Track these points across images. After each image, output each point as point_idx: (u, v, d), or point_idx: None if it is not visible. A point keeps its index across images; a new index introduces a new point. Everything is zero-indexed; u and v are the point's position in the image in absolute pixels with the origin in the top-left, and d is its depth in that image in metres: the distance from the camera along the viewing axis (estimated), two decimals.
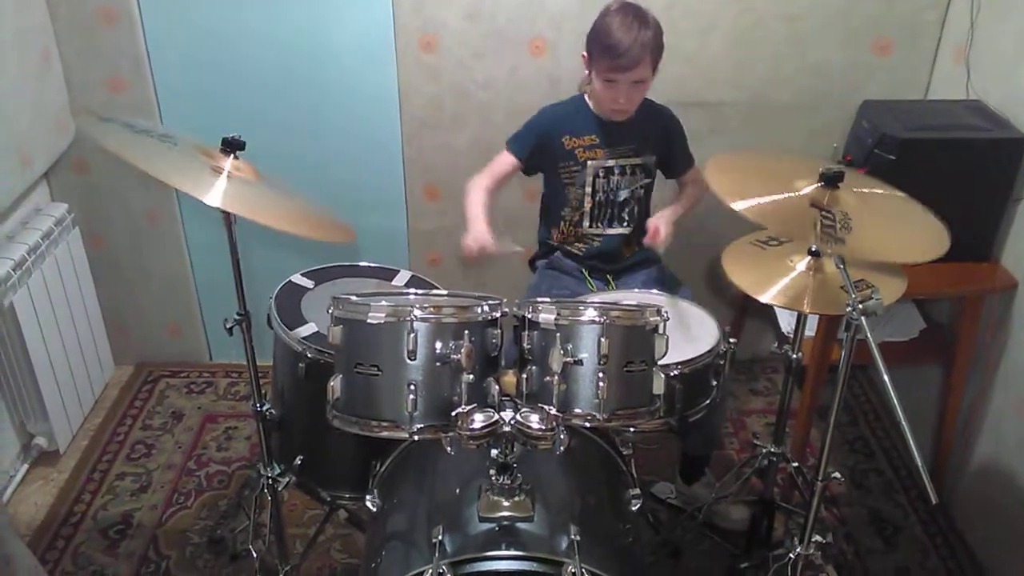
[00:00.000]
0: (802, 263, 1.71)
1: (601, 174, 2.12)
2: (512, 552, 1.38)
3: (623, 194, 2.15)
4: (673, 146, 2.20)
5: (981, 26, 2.26)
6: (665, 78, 2.32)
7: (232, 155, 1.59)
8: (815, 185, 1.53)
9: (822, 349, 2.19)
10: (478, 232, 1.96)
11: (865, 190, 1.63)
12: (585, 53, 2.03)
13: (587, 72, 2.04)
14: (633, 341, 1.43)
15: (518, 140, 2.13)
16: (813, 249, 1.69)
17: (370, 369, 1.38)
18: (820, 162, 1.56)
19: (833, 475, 1.65)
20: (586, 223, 2.18)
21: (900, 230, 1.60)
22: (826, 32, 2.46)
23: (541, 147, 2.12)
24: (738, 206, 1.49)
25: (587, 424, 1.43)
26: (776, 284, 1.69)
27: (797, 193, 1.53)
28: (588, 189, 2.14)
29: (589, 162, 2.11)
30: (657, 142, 2.16)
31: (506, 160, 2.12)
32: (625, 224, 2.18)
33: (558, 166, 2.13)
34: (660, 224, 2.06)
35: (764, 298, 1.68)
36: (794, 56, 2.49)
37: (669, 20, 2.37)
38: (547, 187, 2.24)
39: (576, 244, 2.21)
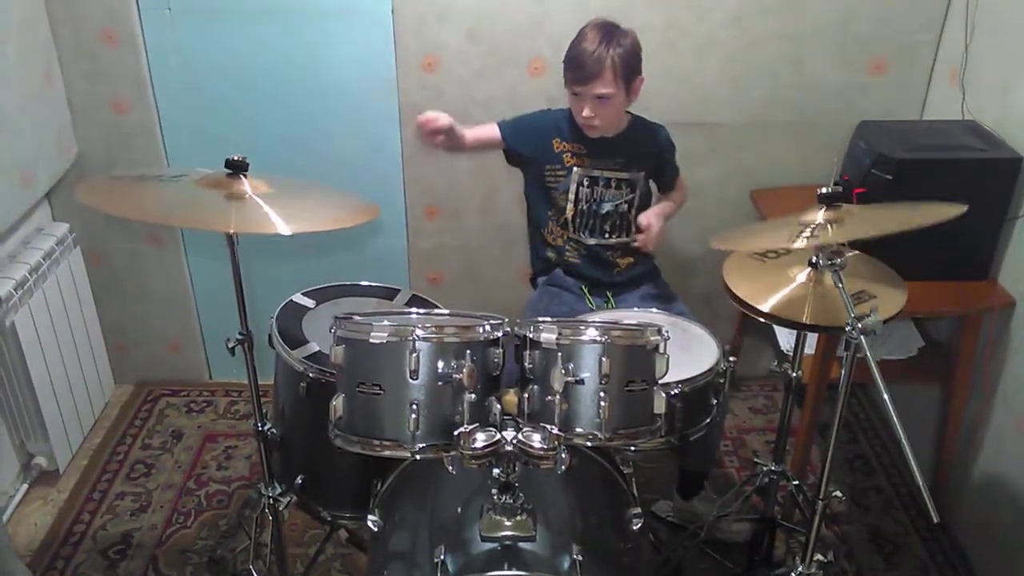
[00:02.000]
0: (802, 275, 1.72)
1: (585, 183, 2.14)
2: (514, 572, 1.38)
3: (606, 207, 2.16)
4: (665, 163, 2.24)
5: (975, 47, 2.29)
6: (663, 99, 2.35)
7: (241, 176, 1.59)
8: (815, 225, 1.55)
9: (821, 367, 2.19)
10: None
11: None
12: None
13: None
14: (634, 360, 1.44)
15: (510, 125, 2.18)
16: (813, 260, 1.70)
17: (372, 388, 1.39)
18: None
19: (834, 493, 1.65)
20: (570, 229, 2.20)
21: (906, 210, 1.62)
22: (822, 52, 2.48)
23: (531, 141, 2.15)
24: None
25: (589, 443, 1.43)
26: (776, 295, 1.70)
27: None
28: (571, 196, 2.15)
29: (575, 168, 2.13)
30: (647, 159, 2.18)
31: (491, 130, 2.17)
32: (607, 236, 2.19)
33: (544, 167, 2.16)
34: (652, 219, 2.12)
35: (764, 308, 1.68)
36: (791, 76, 2.51)
37: (666, 41, 2.41)
38: (529, 188, 2.25)
39: (567, 247, 2.22)
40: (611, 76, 1.96)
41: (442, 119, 2.02)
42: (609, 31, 1.98)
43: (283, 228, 1.50)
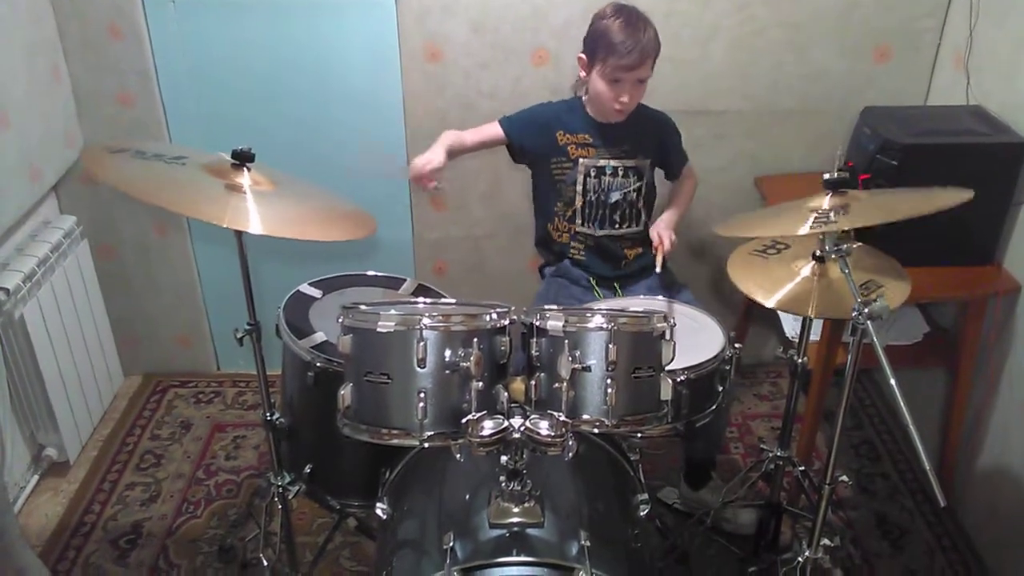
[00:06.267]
0: (806, 268, 1.73)
1: (592, 173, 2.14)
2: (523, 558, 1.39)
3: (614, 196, 2.16)
4: (669, 149, 2.23)
5: (980, 32, 2.28)
6: (668, 87, 2.36)
7: (245, 168, 1.60)
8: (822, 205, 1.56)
9: (827, 353, 2.20)
10: (432, 153, 2.00)
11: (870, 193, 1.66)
12: (583, 55, 2.06)
13: (584, 75, 2.07)
14: (640, 347, 1.44)
15: (511, 120, 2.17)
16: (817, 254, 1.71)
17: (380, 377, 1.39)
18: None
19: (840, 478, 1.66)
20: (579, 221, 2.19)
21: (912, 196, 1.62)
22: (826, 39, 2.48)
23: (534, 136, 2.15)
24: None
25: (596, 430, 1.44)
26: (781, 289, 1.71)
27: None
28: (579, 188, 2.15)
29: (581, 160, 2.13)
30: (652, 146, 2.18)
31: (493, 129, 2.16)
32: (616, 226, 2.19)
33: (550, 160, 2.16)
34: (662, 234, 2.11)
35: (770, 303, 1.69)
36: (795, 63, 2.51)
37: (670, 30, 2.40)
38: (537, 182, 2.25)
39: (573, 243, 2.22)
40: (653, 58, 2.00)
41: (435, 160, 1.99)
42: (637, 14, 2.00)
43: (255, 228, 1.49)
